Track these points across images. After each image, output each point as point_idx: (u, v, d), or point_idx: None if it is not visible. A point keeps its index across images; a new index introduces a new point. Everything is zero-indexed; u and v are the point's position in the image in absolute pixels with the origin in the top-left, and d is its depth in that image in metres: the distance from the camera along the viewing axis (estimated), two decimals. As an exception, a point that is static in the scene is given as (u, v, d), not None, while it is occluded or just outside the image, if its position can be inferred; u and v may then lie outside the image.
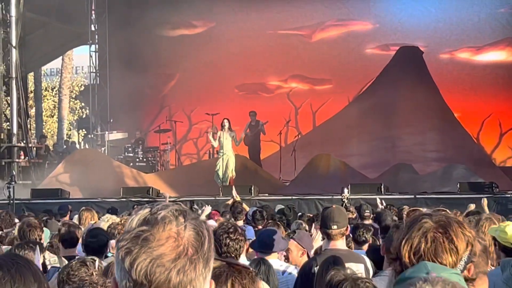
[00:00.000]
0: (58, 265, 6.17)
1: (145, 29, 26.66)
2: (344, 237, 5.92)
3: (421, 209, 8.38)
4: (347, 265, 5.48)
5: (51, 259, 6.74)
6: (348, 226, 6.07)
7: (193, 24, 27.82)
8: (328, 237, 5.82)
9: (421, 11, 25.62)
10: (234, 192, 14.68)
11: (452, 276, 2.33)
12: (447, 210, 2.83)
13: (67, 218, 11.60)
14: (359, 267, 5.68)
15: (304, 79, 26.81)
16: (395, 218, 9.42)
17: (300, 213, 13.57)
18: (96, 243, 6.29)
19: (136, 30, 26.45)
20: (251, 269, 2.51)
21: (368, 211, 10.84)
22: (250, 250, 6.43)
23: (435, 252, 2.52)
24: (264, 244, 6.21)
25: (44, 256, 6.59)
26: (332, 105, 25.73)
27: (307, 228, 9.18)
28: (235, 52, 26.42)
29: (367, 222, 9.69)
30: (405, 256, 2.54)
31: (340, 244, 5.82)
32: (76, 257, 5.84)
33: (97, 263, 4.36)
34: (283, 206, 13.32)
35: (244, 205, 12.06)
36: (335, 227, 5.76)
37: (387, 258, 4.66)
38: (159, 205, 1.91)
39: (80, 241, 6.91)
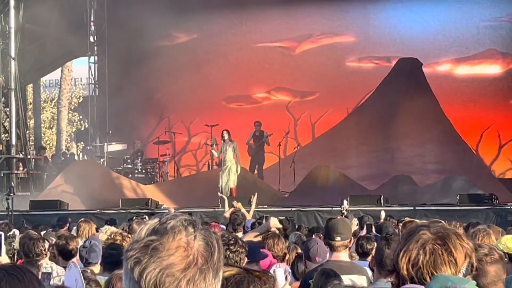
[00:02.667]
0: (49, 271, 6.36)
1: (144, 40, 26.65)
2: (347, 249, 5.90)
3: (417, 220, 8.36)
4: (349, 277, 5.46)
5: (59, 270, 6.73)
6: (352, 238, 6.05)
7: (191, 36, 27.84)
8: (331, 248, 5.80)
9: (420, 23, 25.63)
10: (226, 204, 14.71)
11: (471, 285, 2.32)
12: (443, 222, 2.79)
13: (64, 229, 11.55)
14: (361, 279, 5.66)
15: (291, 92, 26.79)
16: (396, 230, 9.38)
17: (298, 225, 13.54)
18: (117, 256, 6.29)
19: (135, 41, 26.46)
20: (270, 273, 2.49)
21: (369, 222, 10.82)
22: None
23: (434, 264, 2.48)
24: (254, 254, 6.15)
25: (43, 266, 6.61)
26: (331, 117, 25.70)
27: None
28: (233, 64, 26.48)
29: (369, 233, 9.66)
30: (403, 268, 2.49)
31: (342, 256, 5.80)
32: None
33: None
34: (282, 218, 13.27)
35: (245, 213, 11.94)
36: (338, 238, 5.74)
37: (377, 270, 4.65)
38: (168, 215, 1.90)
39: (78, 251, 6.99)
